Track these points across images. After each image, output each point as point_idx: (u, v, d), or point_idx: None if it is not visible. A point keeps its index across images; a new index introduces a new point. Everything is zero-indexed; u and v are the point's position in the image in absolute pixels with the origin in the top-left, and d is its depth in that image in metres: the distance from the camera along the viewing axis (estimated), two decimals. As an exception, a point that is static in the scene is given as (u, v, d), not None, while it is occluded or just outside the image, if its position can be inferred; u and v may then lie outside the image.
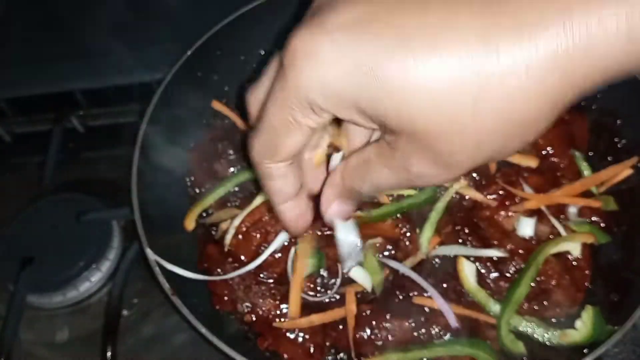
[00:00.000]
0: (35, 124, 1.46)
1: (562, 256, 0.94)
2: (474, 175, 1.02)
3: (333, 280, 0.97)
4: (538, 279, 0.91)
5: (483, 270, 0.94)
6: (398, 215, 0.99)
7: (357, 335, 0.90)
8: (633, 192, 1.01)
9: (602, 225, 1.00)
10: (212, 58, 1.20)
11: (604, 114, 1.11)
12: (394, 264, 0.96)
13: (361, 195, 0.65)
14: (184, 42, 1.16)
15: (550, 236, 0.96)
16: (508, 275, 0.93)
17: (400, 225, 0.99)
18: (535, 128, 0.50)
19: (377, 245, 0.98)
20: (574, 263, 0.95)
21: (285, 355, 0.92)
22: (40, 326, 1.15)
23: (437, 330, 0.90)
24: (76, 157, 1.40)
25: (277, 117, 0.56)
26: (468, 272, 0.93)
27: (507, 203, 0.98)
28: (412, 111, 0.49)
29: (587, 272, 0.95)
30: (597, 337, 0.86)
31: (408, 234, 0.99)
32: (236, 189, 1.07)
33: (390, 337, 0.90)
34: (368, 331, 0.90)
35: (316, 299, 0.95)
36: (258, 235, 0.99)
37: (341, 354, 0.95)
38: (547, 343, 0.90)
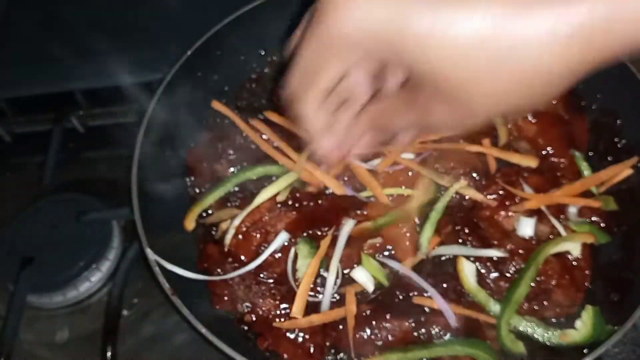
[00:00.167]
0: (35, 124, 1.46)
1: (562, 256, 0.94)
2: (474, 175, 1.02)
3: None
4: (538, 279, 0.91)
5: (483, 270, 0.94)
6: (398, 215, 0.99)
7: (357, 335, 0.90)
8: (633, 192, 1.01)
9: (602, 225, 1.00)
10: (212, 58, 1.20)
11: (604, 114, 1.11)
12: (394, 264, 0.96)
13: (385, 137, 0.72)
14: (184, 42, 1.16)
15: (550, 236, 0.96)
16: (508, 275, 0.93)
17: (400, 225, 0.99)
18: (551, 91, 0.54)
19: (377, 245, 0.98)
20: (574, 263, 0.95)
21: (285, 355, 0.92)
22: (40, 326, 1.15)
23: (437, 330, 0.90)
24: (76, 157, 1.40)
25: (313, 53, 0.62)
26: (468, 272, 0.93)
27: (507, 203, 0.98)
28: (438, 61, 0.53)
29: (587, 272, 0.95)
30: (597, 337, 0.86)
31: (408, 234, 0.99)
32: (236, 189, 1.07)
33: (390, 337, 0.90)
34: (368, 331, 0.90)
35: (316, 299, 0.95)
36: (258, 235, 0.99)
37: (341, 354, 0.95)
38: (547, 343, 0.90)
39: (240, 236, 0.99)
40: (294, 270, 0.96)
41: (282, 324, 0.93)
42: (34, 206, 1.25)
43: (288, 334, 0.93)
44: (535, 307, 0.92)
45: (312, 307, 0.93)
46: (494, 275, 0.94)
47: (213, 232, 1.07)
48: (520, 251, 0.94)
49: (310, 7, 0.63)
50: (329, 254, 0.95)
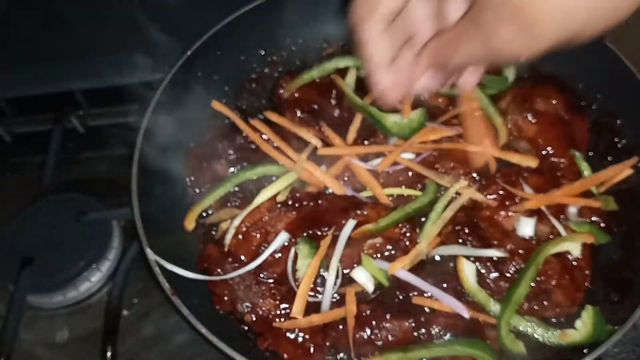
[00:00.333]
0: (35, 124, 1.46)
1: (562, 256, 0.94)
2: (474, 175, 1.02)
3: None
4: (538, 279, 0.91)
5: (483, 270, 0.94)
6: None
7: (357, 335, 0.90)
8: (633, 192, 1.01)
9: (602, 225, 1.00)
10: (212, 58, 1.20)
11: (604, 114, 1.11)
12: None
13: (448, 69, 0.72)
14: (184, 42, 1.16)
15: (550, 236, 0.96)
16: (508, 275, 0.93)
17: (400, 225, 0.99)
18: (621, 11, 0.54)
19: (377, 245, 0.98)
20: (574, 263, 0.95)
21: (285, 355, 0.92)
22: (40, 326, 1.15)
23: (437, 330, 0.90)
24: (76, 157, 1.40)
25: None
26: (468, 272, 0.93)
27: (507, 203, 0.98)
28: None
29: (587, 272, 0.95)
30: (597, 337, 0.86)
31: (408, 234, 0.99)
32: (236, 189, 1.07)
33: (390, 337, 0.90)
34: (368, 331, 0.90)
35: (316, 299, 0.95)
36: (258, 235, 0.99)
37: (341, 354, 0.95)
38: (547, 343, 0.90)
39: (240, 236, 0.99)
40: (294, 270, 0.96)
41: (282, 324, 0.93)
42: (34, 206, 1.25)
43: (288, 334, 0.93)
44: (535, 307, 0.92)
45: (312, 307, 0.93)
46: (494, 275, 0.94)
47: (213, 232, 1.07)
48: (520, 251, 0.94)
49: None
50: (329, 254, 0.95)
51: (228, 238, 0.99)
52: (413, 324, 0.90)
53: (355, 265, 0.96)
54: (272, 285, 0.96)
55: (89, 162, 1.39)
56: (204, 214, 1.08)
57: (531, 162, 1.02)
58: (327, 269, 0.95)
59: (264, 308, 0.95)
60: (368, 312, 0.91)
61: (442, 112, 1.12)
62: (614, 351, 1.01)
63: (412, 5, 0.73)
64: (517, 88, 1.13)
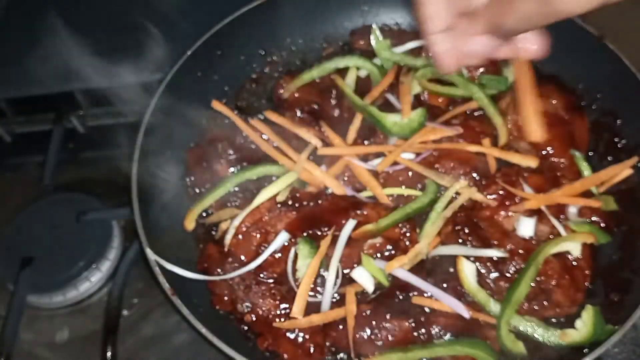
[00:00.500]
0: (35, 124, 1.46)
1: (562, 256, 0.94)
2: (474, 175, 1.02)
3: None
4: (538, 279, 0.91)
5: (483, 270, 0.94)
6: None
7: (357, 335, 0.90)
8: (633, 192, 1.01)
9: (602, 225, 1.00)
10: (212, 58, 1.20)
11: (604, 114, 1.11)
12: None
13: (504, 31, 0.71)
14: (184, 42, 1.16)
15: (550, 236, 0.96)
16: (508, 275, 0.93)
17: (400, 225, 0.99)
18: None
19: (377, 245, 0.98)
20: (574, 263, 0.95)
21: (285, 355, 0.92)
22: (40, 326, 1.15)
23: (437, 330, 0.90)
24: (76, 157, 1.40)
25: None
26: (468, 272, 0.93)
27: (507, 203, 0.98)
28: None
29: (587, 272, 0.95)
30: (597, 337, 0.86)
31: (408, 234, 0.99)
32: (236, 189, 1.07)
33: (390, 337, 0.90)
34: (368, 331, 0.90)
35: (316, 299, 0.95)
36: (258, 235, 0.99)
37: (341, 354, 0.95)
38: (547, 343, 0.90)
39: (240, 236, 0.99)
40: (294, 270, 0.96)
41: (282, 324, 0.93)
42: (34, 206, 1.25)
43: (288, 334, 0.93)
44: (535, 307, 0.92)
45: (312, 307, 0.93)
46: (494, 275, 0.94)
47: (213, 232, 1.07)
48: (520, 251, 0.94)
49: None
50: (329, 254, 0.95)
51: (228, 238, 0.99)
52: (413, 324, 0.90)
53: (355, 265, 0.96)
54: (272, 285, 0.96)
55: (89, 162, 1.39)
56: (204, 214, 1.08)
57: (531, 162, 1.01)
58: (327, 269, 0.95)
59: (264, 308, 0.95)
60: (368, 312, 0.91)
61: (442, 112, 1.12)
62: (614, 351, 1.01)
63: None
64: (517, 88, 1.13)
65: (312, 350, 0.92)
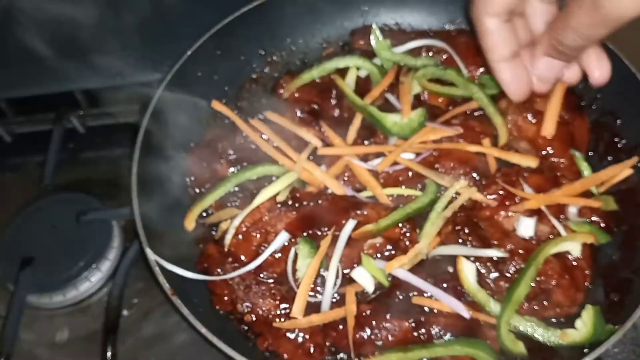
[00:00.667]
0: (35, 124, 1.46)
1: (562, 256, 0.94)
2: (474, 175, 1.02)
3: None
4: (538, 279, 0.91)
5: (483, 270, 0.94)
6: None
7: (357, 335, 0.90)
8: (633, 192, 1.01)
9: (602, 225, 1.00)
10: (212, 58, 1.20)
11: (604, 114, 1.11)
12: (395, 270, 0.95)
13: (565, 48, 0.73)
14: (184, 42, 1.16)
15: (550, 236, 0.96)
16: (508, 275, 0.93)
17: (400, 225, 0.99)
18: None
19: (377, 245, 0.98)
20: (574, 263, 0.94)
21: (285, 355, 0.92)
22: (40, 326, 1.15)
23: (437, 330, 0.90)
24: (76, 157, 1.40)
25: None
26: (468, 272, 0.93)
27: (507, 203, 0.98)
28: None
29: (587, 272, 0.95)
30: (597, 337, 0.86)
31: (408, 234, 0.99)
32: (236, 189, 1.07)
33: (390, 337, 0.90)
34: (368, 331, 0.90)
35: (316, 299, 0.95)
36: (258, 235, 0.99)
37: (341, 354, 0.95)
38: (547, 343, 0.90)
39: (240, 236, 0.99)
40: (294, 270, 0.96)
41: (282, 324, 0.93)
42: (34, 206, 1.25)
43: (288, 334, 0.93)
44: (535, 307, 0.92)
45: (312, 307, 0.93)
46: (494, 275, 0.94)
47: (213, 232, 1.07)
48: (520, 251, 0.94)
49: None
50: (329, 254, 0.95)
51: (228, 238, 1.00)
52: (413, 324, 0.90)
53: (355, 265, 0.96)
54: (272, 285, 0.96)
55: (89, 162, 1.39)
56: (204, 214, 1.08)
57: (531, 162, 1.01)
58: (327, 269, 0.95)
59: (264, 308, 0.95)
60: (368, 312, 0.91)
61: (442, 112, 1.12)
62: (614, 351, 1.01)
63: (531, 6, 0.77)
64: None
65: (312, 350, 0.92)
